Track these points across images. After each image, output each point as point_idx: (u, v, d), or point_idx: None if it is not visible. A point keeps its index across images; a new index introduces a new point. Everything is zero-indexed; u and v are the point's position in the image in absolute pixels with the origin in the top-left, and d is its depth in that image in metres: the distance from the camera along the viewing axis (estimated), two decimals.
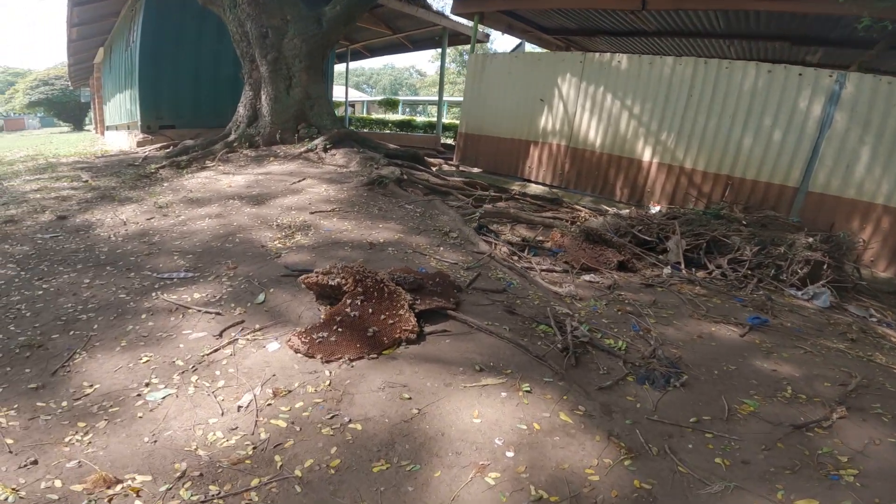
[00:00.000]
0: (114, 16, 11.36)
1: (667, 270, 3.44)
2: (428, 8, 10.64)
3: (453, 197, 4.72)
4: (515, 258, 3.08)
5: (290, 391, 1.50)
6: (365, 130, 15.77)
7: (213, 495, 1.17)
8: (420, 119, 17.36)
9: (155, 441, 1.30)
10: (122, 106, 11.28)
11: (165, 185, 4.45)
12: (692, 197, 5.38)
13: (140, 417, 1.39)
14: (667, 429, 1.52)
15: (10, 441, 1.30)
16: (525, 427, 1.42)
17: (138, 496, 1.15)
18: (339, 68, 15.88)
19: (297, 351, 1.63)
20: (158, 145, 7.74)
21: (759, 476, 1.33)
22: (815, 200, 4.81)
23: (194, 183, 4.41)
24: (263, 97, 6.23)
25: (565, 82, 6.26)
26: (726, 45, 8.26)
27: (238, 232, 2.95)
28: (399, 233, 3.03)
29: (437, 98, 14.72)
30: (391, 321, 1.71)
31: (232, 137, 6.06)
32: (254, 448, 1.31)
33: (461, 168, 7.15)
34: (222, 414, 1.41)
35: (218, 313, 1.92)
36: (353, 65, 18.01)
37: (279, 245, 2.74)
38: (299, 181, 4.17)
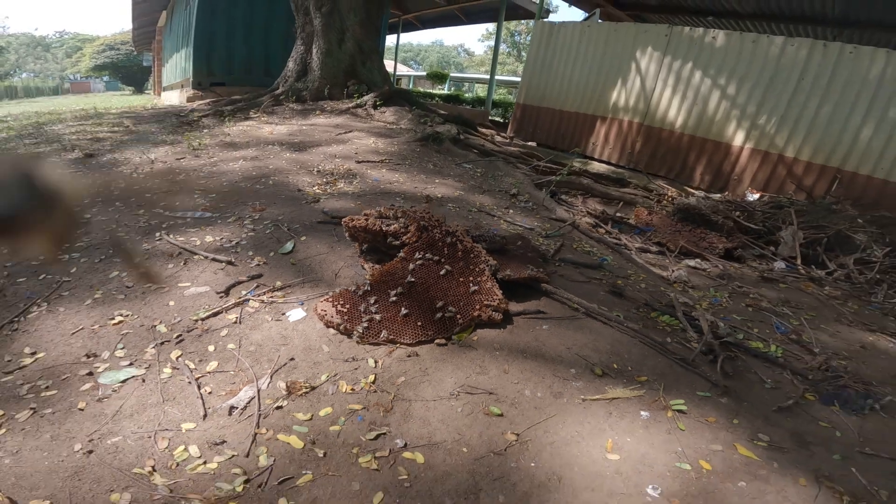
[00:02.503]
0: None
1: (779, 265, 2.68)
2: None
3: (511, 165, 4.05)
4: (601, 231, 2.41)
5: (313, 388, 0.93)
6: (409, 92, 15.10)
7: None
8: (468, 95, 16.55)
9: (90, 452, 0.76)
10: (177, 65, 11.20)
11: (205, 131, 4.00)
12: (790, 189, 4.49)
13: (81, 410, 0.86)
14: (889, 465, 0.87)
15: None
16: (689, 467, 0.81)
17: None
18: (388, 43, 15.33)
19: (329, 324, 1.06)
20: (208, 100, 7.41)
21: None
22: None
23: (235, 130, 3.94)
24: (315, 50, 5.68)
25: (645, 56, 5.39)
26: (834, 33, 7.01)
27: (272, 175, 2.41)
28: (459, 190, 2.42)
29: (485, 76, 13.88)
30: (468, 289, 1.11)
31: (279, 91, 5.57)
32: (246, 482, 0.75)
33: (515, 140, 6.42)
34: (204, 417, 0.86)
35: (230, 262, 1.38)
36: (401, 41, 17.29)
37: (318, 191, 2.18)
38: (345, 133, 3.62)
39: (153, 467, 0.75)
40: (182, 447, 0.79)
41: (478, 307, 1.10)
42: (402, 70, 22.62)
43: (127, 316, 1.14)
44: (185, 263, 1.39)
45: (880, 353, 1.62)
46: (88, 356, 1.01)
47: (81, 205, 1.98)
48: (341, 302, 1.10)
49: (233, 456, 0.79)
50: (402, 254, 1.19)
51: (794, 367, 1.28)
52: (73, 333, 1.07)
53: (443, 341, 1.07)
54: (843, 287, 2.58)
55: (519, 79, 6.92)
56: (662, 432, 0.91)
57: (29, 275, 1.35)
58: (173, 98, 10.69)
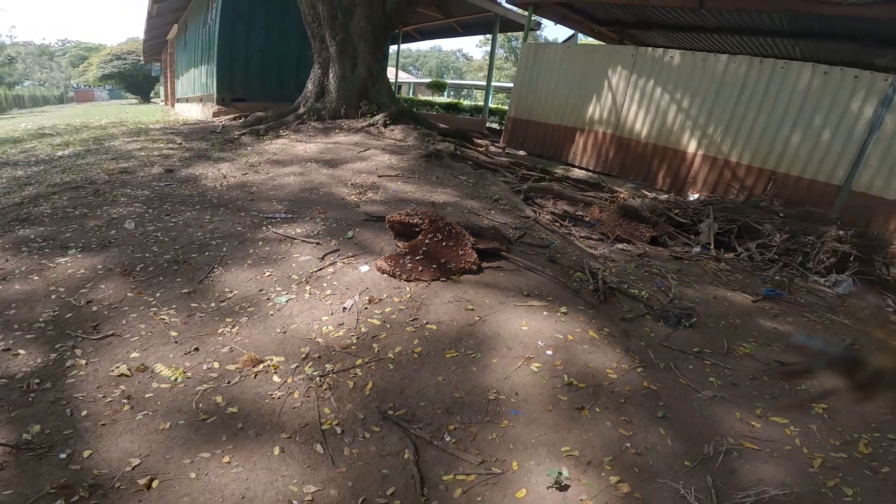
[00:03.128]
0: None
1: (696, 249, 3.67)
2: None
3: (500, 174, 5.04)
4: (557, 225, 3.41)
5: (380, 300, 1.92)
6: (413, 110, 16.08)
7: (328, 371, 1.59)
8: (466, 103, 17.50)
9: (285, 332, 1.75)
10: (195, 80, 12.02)
11: (249, 148, 4.99)
12: (734, 189, 5.48)
13: (272, 315, 1.85)
14: (673, 353, 1.85)
15: (174, 334, 1.74)
16: (561, 336, 1.78)
17: (276, 372, 1.58)
18: (389, 51, 16.29)
19: (383, 272, 2.06)
20: (231, 116, 8.39)
21: (744, 396, 1.65)
22: (856, 199, 4.85)
23: (274, 148, 4.93)
24: (331, 75, 6.65)
25: (616, 74, 6.39)
26: (790, 44, 8.01)
27: (319, 187, 3.42)
28: (455, 196, 3.41)
29: (483, 83, 14.84)
30: (457, 252, 2.11)
31: (302, 111, 6.56)
32: (357, 338, 1.73)
33: (507, 150, 7.43)
34: (332, 314, 1.85)
35: (318, 243, 2.37)
36: (401, 48, 18.22)
37: (355, 199, 3.18)
38: (364, 150, 4.61)
39: (315, 336, 1.74)
40: (325, 327, 1.78)
41: (463, 262, 2.09)
42: (403, 77, 23.72)
43: (272, 272, 2.13)
44: (290, 244, 2.39)
45: (726, 302, 2.57)
46: (261, 291, 2.00)
47: (195, 209, 2.97)
48: (390, 260, 2.09)
49: (349, 329, 1.77)
50: (420, 236, 2.18)
51: (648, 302, 2.26)
52: (247, 281, 2.06)
53: (444, 279, 2.06)
54: (744, 266, 3.55)
55: None
56: (552, 321, 1.89)
57: (196, 252, 2.35)
58: (194, 111, 11.58)
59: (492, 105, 16.44)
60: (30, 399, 1.36)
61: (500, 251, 2.32)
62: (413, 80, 26.01)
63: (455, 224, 2.25)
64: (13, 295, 1.93)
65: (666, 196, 4.87)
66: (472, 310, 1.88)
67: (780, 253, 3.73)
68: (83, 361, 1.52)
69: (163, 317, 1.78)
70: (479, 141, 7.87)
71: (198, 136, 6.05)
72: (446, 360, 1.65)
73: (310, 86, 7.07)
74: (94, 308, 1.82)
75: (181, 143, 5.40)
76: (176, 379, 1.47)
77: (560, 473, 1.19)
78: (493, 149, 7.48)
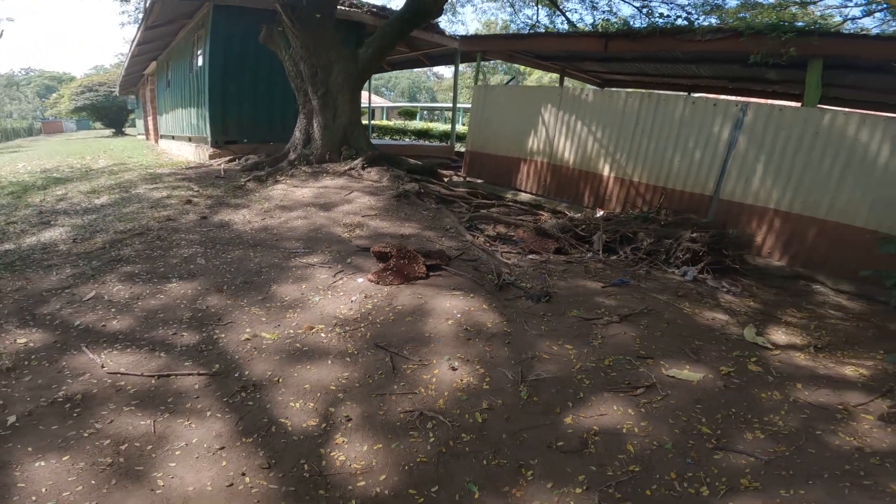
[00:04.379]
0: (172, 35, 13.56)
1: (588, 255, 5.46)
2: (442, 33, 12.74)
3: (457, 205, 6.81)
4: (488, 245, 5.17)
5: (371, 296, 3.62)
6: (387, 138, 17.92)
7: (347, 329, 3.27)
8: (437, 126, 19.33)
9: (322, 314, 3.43)
10: (184, 120, 13.53)
11: (257, 194, 6.65)
12: (639, 203, 7.32)
13: (312, 307, 3.53)
14: (528, 315, 3.58)
15: (263, 319, 3.40)
16: (466, 308, 3.51)
17: (322, 332, 3.25)
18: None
19: (371, 281, 3.75)
20: (226, 158, 10.01)
21: (560, 334, 3.37)
22: (724, 206, 6.66)
23: (276, 193, 6.60)
24: (315, 125, 8.36)
25: (547, 111, 8.25)
26: (695, 68, 10.04)
27: (321, 228, 5.11)
28: (418, 229, 5.15)
29: (451, 105, 16.62)
30: (414, 266, 3.82)
31: (292, 156, 8.25)
32: (360, 314, 3.42)
33: (468, 179, 9.22)
34: (344, 304, 3.54)
35: (329, 267, 4.06)
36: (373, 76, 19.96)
37: (348, 235, 4.89)
38: (349, 193, 6.32)
39: (338, 314, 3.43)
40: (342, 310, 3.47)
41: (417, 272, 3.80)
42: (376, 101, 25.67)
43: (306, 285, 3.81)
44: (313, 269, 4.07)
45: (583, 288, 4.30)
46: (303, 295, 3.68)
47: (240, 248, 4.62)
48: (374, 275, 3.79)
49: (355, 310, 3.47)
50: (391, 259, 3.89)
51: (527, 290, 4.00)
52: (293, 291, 3.74)
53: (407, 283, 3.76)
54: (619, 264, 5.31)
55: None
56: (464, 301, 3.62)
57: (255, 277, 4.00)
58: (185, 150, 13.09)
59: (460, 127, 18.38)
60: (205, 354, 3.00)
61: (442, 265, 4.04)
62: (386, 104, 27.92)
63: (412, 250, 3.97)
64: (154, 306, 3.56)
65: (580, 214, 6.68)
66: (421, 298, 3.59)
67: (647, 253, 5.54)
68: (223, 335, 3.18)
69: (254, 311, 3.45)
70: (445, 172, 9.68)
71: (207, 182, 7.67)
72: (406, 321, 3.35)
73: (297, 133, 8.77)
74: (213, 310, 3.47)
75: (198, 191, 7.00)
76: (274, 339, 3.14)
77: (454, 365, 2.89)
78: (455, 178, 9.29)
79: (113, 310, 3.46)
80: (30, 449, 2.12)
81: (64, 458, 2.07)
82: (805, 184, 5.82)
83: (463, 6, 13.08)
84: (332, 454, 2.20)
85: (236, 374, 2.75)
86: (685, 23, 9.29)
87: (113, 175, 8.89)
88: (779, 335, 3.99)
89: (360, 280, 3.83)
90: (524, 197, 8.30)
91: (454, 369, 2.84)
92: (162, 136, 16.71)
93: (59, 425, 2.27)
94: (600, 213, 6.80)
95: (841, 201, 5.56)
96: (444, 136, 16.18)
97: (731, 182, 6.51)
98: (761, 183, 6.21)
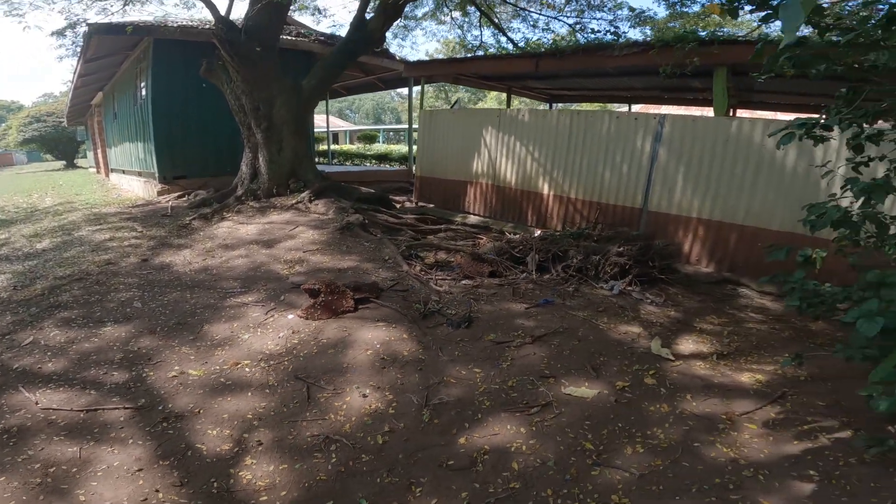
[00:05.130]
0: (116, 66, 13.71)
1: (522, 276, 5.92)
2: (392, 58, 13.33)
3: (404, 232, 7.23)
4: (423, 273, 5.58)
5: (298, 331, 3.97)
6: (347, 163, 18.34)
7: (271, 363, 3.60)
8: (398, 148, 19.89)
9: (249, 350, 3.76)
10: (132, 154, 13.66)
11: (201, 233, 6.93)
12: (577, 220, 7.87)
13: (241, 344, 3.85)
14: (445, 342, 3.99)
15: (192, 357, 3.73)
16: (387, 338, 3.89)
17: (247, 367, 3.58)
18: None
19: (301, 317, 4.10)
20: (175, 194, 10.23)
21: (472, 359, 3.78)
22: (653, 217, 7.22)
23: (221, 231, 6.90)
24: (261, 158, 8.70)
25: (488, 133, 8.78)
26: (627, 80, 10.78)
27: (261, 266, 5.44)
28: (357, 261, 5.53)
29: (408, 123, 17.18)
30: (342, 301, 4.19)
31: (239, 192, 8.55)
32: (285, 349, 3.76)
33: (420, 203, 9.68)
34: (272, 340, 3.87)
35: (263, 305, 4.40)
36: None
37: (286, 272, 5.23)
38: (294, 228, 6.67)
39: (266, 349, 3.77)
40: (270, 345, 3.82)
41: (344, 307, 4.18)
42: (339, 123, 26.21)
43: (238, 324, 4.14)
44: (247, 307, 4.40)
45: (507, 310, 4.73)
46: (233, 334, 4.00)
47: (178, 290, 4.90)
48: (304, 311, 4.14)
49: (282, 345, 3.82)
50: (321, 296, 4.25)
51: (450, 316, 4.40)
52: (225, 330, 4.07)
53: (334, 317, 4.13)
54: (549, 283, 5.79)
55: None
56: (385, 332, 4.00)
57: (189, 317, 4.29)
58: (134, 186, 13.20)
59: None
60: (132, 391, 3.29)
61: (370, 298, 4.43)
62: (349, 127, 28.46)
63: (342, 285, 4.35)
64: (88, 349, 3.84)
65: (518, 235, 7.18)
66: (346, 331, 3.96)
67: (577, 270, 6.04)
68: (151, 373, 3.47)
69: (184, 350, 3.76)
70: (399, 198, 10.12)
71: (153, 221, 7.92)
72: (328, 353, 3.71)
73: (244, 168, 9.09)
74: (144, 351, 3.77)
75: (142, 231, 7.25)
76: (200, 375, 3.47)
77: (365, 392, 3.25)
78: (408, 204, 9.73)
79: (49, 353, 3.74)
80: None
81: (1, 478, 2.37)
82: (722, 191, 6.37)
83: (412, 30, 13.75)
84: (240, 474, 2.53)
85: (160, 407, 3.06)
86: (613, 38, 10.08)
87: (57, 216, 9.04)
88: (688, 345, 4.44)
89: (291, 316, 4.18)
90: (473, 219, 8.78)
91: (364, 396, 3.21)
92: (112, 170, 16.72)
93: None
94: (538, 232, 7.31)
95: (756, 206, 6.10)
96: (403, 159, 16.72)
97: (656, 194, 7.03)
98: (683, 193, 6.76)
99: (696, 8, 11.75)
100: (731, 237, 6.50)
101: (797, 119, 2.88)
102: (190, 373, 3.45)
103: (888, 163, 3.02)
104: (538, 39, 11.57)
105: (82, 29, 8.71)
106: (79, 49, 10.90)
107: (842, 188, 3.08)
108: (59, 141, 28.89)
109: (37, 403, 3.05)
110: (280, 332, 3.97)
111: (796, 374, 3.69)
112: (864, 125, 2.98)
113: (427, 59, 11.08)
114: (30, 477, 2.45)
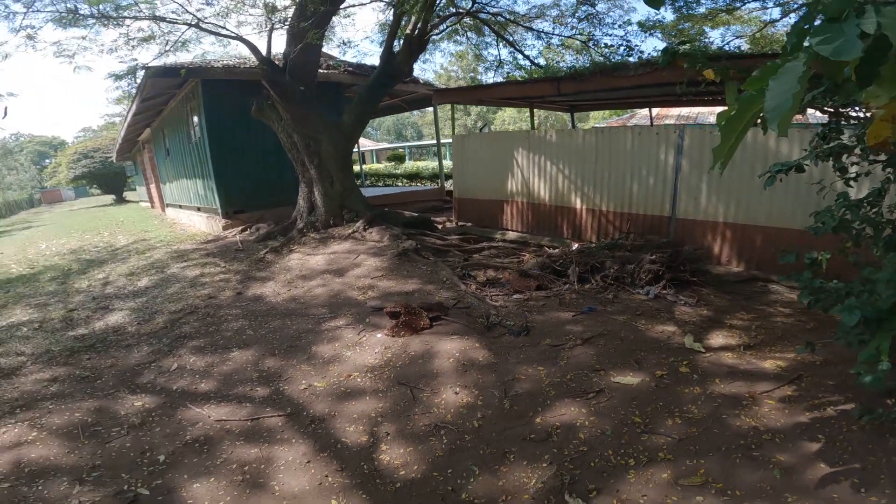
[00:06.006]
0: (163, 104, 15.11)
1: (565, 287, 6.83)
2: (416, 81, 14.46)
3: (451, 253, 8.24)
4: (478, 290, 6.56)
5: (389, 347, 4.99)
6: (379, 184, 19.50)
7: (375, 374, 4.62)
8: (426, 164, 20.98)
9: (354, 364, 4.80)
10: (190, 190, 14.91)
11: (277, 265, 8.09)
12: (609, 231, 8.72)
13: (346, 359, 4.90)
14: (509, 348, 4.94)
15: (312, 373, 4.78)
16: (463, 348, 4.88)
17: (358, 377, 4.61)
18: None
19: (388, 335, 5.13)
20: (239, 228, 11.50)
21: (534, 360, 4.72)
22: (681, 223, 8.03)
23: (294, 263, 8.04)
24: (316, 192, 9.84)
25: (519, 153, 9.75)
26: (648, 91, 11.55)
27: (339, 293, 6.52)
28: (419, 284, 6.55)
29: (436, 143, 18.22)
30: (419, 320, 5.20)
31: (300, 225, 9.72)
32: (382, 362, 4.79)
33: (459, 223, 10.69)
34: (370, 356, 4.90)
35: (353, 327, 5.44)
36: None
37: (362, 297, 6.29)
38: (356, 257, 7.76)
39: (367, 364, 4.80)
40: (368, 360, 4.85)
41: (422, 324, 5.18)
42: (366, 144, 27.62)
43: (337, 344, 5.20)
44: (340, 329, 5.46)
45: (556, 319, 5.65)
46: (336, 352, 5.05)
47: (278, 318, 6.00)
48: (390, 330, 5.18)
49: (379, 360, 4.85)
50: (401, 316, 5.27)
51: (510, 327, 5.36)
52: (329, 349, 5.13)
53: (415, 334, 5.14)
54: (590, 292, 6.66)
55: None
56: (460, 343, 4.99)
57: (295, 341, 5.37)
58: (196, 221, 14.51)
59: (447, 162, 19.98)
60: (277, 402, 4.34)
61: (441, 315, 5.43)
62: (374, 146, 29.88)
63: (416, 306, 5.37)
64: (227, 370, 4.93)
65: (557, 250, 8.08)
66: (427, 344, 4.97)
67: (614, 279, 6.91)
68: (286, 387, 4.53)
69: (303, 368, 4.82)
70: (439, 219, 11.15)
71: (229, 256, 9.14)
72: (418, 363, 4.71)
73: (301, 202, 10.26)
74: (272, 370, 4.84)
75: (226, 266, 8.45)
76: (324, 386, 4.50)
77: (456, 391, 4.23)
78: (448, 224, 10.76)
79: (197, 376, 4.85)
80: (185, 476, 3.45)
81: (211, 480, 3.40)
82: (744, 196, 7.14)
83: (431, 53, 14.85)
84: (380, 457, 3.53)
85: (304, 413, 4.10)
86: (626, 50, 10.89)
87: (141, 255, 10.38)
88: (718, 339, 5.28)
89: (379, 335, 5.22)
90: (511, 235, 9.73)
91: (456, 393, 4.19)
92: (168, 205, 18.18)
93: (197, 459, 3.61)
94: (575, 245, 8.20)
95: (776, 208, 6.87)
96: (433, 176, 17.76)
97: (682, 202, 7.86)
98: (708, 200, 7.57)
99: (702, 10, 12.45)
100: (756, 238, 7.24)
101: (775, 164, 3.72)
102: (315, 385, 4.50)
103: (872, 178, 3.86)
104: (556, 62, 12.47)
105: (139, 72, 9.90)
106: (132, 91, 12.09)
107: (836, 201, 3.90)
108: (106, 176, 31.24)
109: (210, 417, 4.12)
110: (375, 349, 5.00)
111: (812, 360, 4.49)
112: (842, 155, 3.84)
113: (453, 87, 12.17)
114: (232, 476, 3.39)
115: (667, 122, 20.61)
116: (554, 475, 3.21)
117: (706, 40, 12.18)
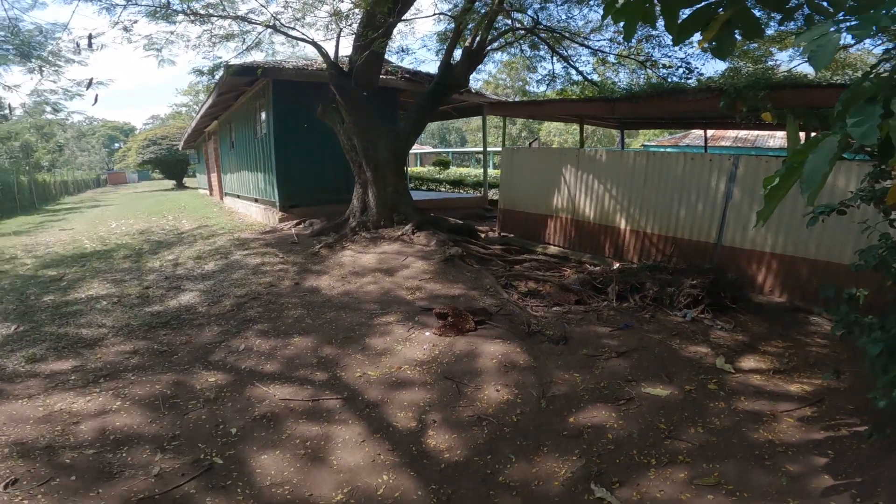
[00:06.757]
0: (233, 100, 16.17)
1: (604, 304, 7.17)
2: (469, 90, 15.01)
3: (494, 262, 8.71)
4: (520, 300, 7.00)
5: (436, 345, 5.51)
6: (423, 189, 20.18)
7: (423, 368, 5.15)
8: (471, 172, 21.51)
9: (405, 358, 5.35)
10: (250, 182, 15.91)
11: (330, 260, 8.77)
12: (652, 253, 8.97)
13: (397, 353, 5.45)
14: (549, 354, 5.37)
15: (366, 363, 5.35)
16: (505, 351, 5.34)
17: (407, 370, 5.14)
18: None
19: (436, 334, 5.66)
20: (294, 222, 12.31)
21: (571, 367, 5.13)
22: (727, 251, 8.22)
23: (346, 260, 8.70)
24: (370, 194, 10.50)
25: (567, 171, 10.13)
26: (701, 115, 11.70)
27: (389, 291, 7.10)
28: (464, 290, 7.06)
29: (482, 149, 18.79)
30: (465, 323, 5.70)
31: (353, 223, 10.41)
32: (430, 358, 5.31)
33: (502, 234, 11.15)
34: (419, 351, 5.43)
35: (403, 324, 6.00)
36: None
37: (410, 297, 6.85)
38: (405, 259, 8.34)
39: (415, 358, 5.34)
40: (418, 354, 5.39)
41: (468, 326, 5.68)
42: (412, 148, 28.64)
43: (388, 338, 5.77)
44: (391, 325, 6.03)
45: (594, 332, 6.03)
46: (387, 345, 5.61)
47: (334, 310, 6.63)
48: (437, 329, 5.70)
49: (427, 355, 5.38)
50: (449, 317, 5.79)
51: (549, 336, 5.77)
52: (381, 342, 5.70)
53: (461, 335, 5.64)
54: (628, 310, 6.98)
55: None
56: (503, 346, 5.46)
57: (348, 332, 5.97)
58: (252, 211, 15.48)
59: (492, 170, 20.44)
60: (335, 386, 4.92)
61: (485, 320, 5.91)
62: (419, 149, 30.75)
63: (463, 310, 5.87)
64: (289, 354, 5.56)
65: (599, 268, 8.42)
66: (472, 345, 5.46)
67: (653, 299, 7.19)
68: (342, 373, 5.12)
69: (358, 357, 5.41)
70: (482, 227, 11.64)
71: (286, 248, 9.91)
72: (463, 361, 5.21)
73: (355, 202, 10.96)
74: (330, 357, 5.45)
75: (283, 258, 9.20)
76: (377, 375, 5.06)
77: (497, 388, 4.70)
78: (491, 234, 11.23)
79: (262, 357, 5.50)
80: (254, 448, 4.03)
81: (276, 453, 3.97)
82: (794, 227, 7.29)
83: (485, 64, 15.40)
84: (427, 441, 4.04)
85: (359, 398, 4.66)
86: (685, 72, 11.05)
87: (205, 240, 11.35)
88: (749, 362, 5.56)
89: (427, 333, 5.74)
90: (552, 250, 10.10)
91: (497, 391, 4.66)
92: (227, 194, 19.42)
93: (265, 433, 4.20)
94: (616, 265, 8.50)
95: (826, 241, 7.02)
96: (477, 184, 18.27)
97: (730, 230, 8.07)
98: (756, 230, 7.74)
99: (770, 32, 12.40)
100: (802, 269, 7.38)
101: (818, 206, 4.02)
102: (369, 373, 5.06)
103: None
104: (609, 79, 12.72)
105: (220, 69, 10.82)
106: (210, 83, 13.04)
107: (878, 240, 4.15)
108: (170, 162, 33.61)
109: (275, 395, 4.73)
110: (423, 346, 5.53)
111: (837, 386, 4.75)
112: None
113: (507, 101, 12.64)
114: (295, 450, 3.89)
115: (722, 143, 20.41)
116: (582, 467, 3.64)
117: (772, 60, 12.07)
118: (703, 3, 1.86)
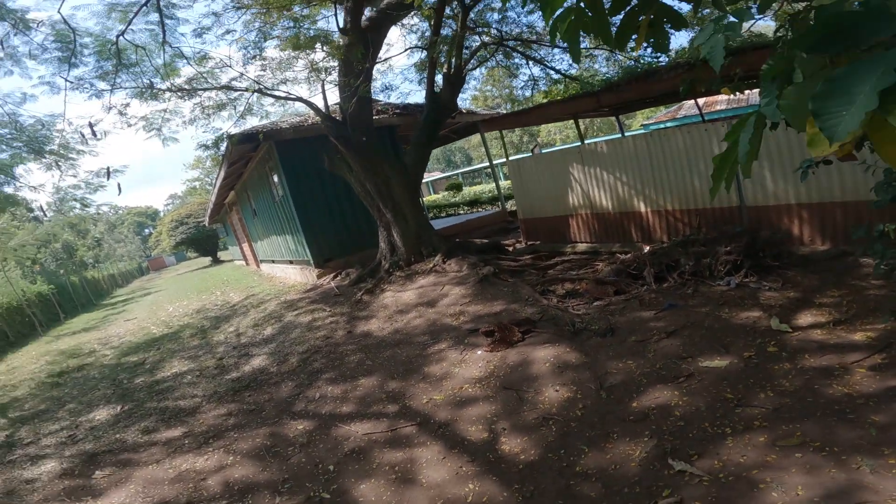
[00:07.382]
0: (243, 168, 16.99)
1: (643, 289, 7.36)
2: (461, 112, 15.54)
3: (527, 272, 9.02)
4: (560, 303, 7.29)
5: (490, 361, 5.84)
6: (443, 216, 20.71)
7: (482, 383, 5.47)
8: (483, 188, 21.92)
9: (464, 378, 5.70)
10: (281, 245, 16.62)
11: (374, 305, 9.25)
12: (679, 228, 9.11)
13: (455, 375, 5.80)
14: (599, 347, 5.62)
15: (430, 389, 5.73)
16: (556, 353, 5.63)
17: (468, 388, 5.48)
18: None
19: (487, 351, 6.00)
20: (331, 275, 12.88)
21: (623, 355, 5.37)
22: (753, 211, 8.28)
23: (388, 301, 9.16)
24: (395, 233, 10.98)
25: (574, 169, 10.42)
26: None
27: (435, 321, 7.50)
28: (504, 305, 7.39)
29: (488, 164, 19.21)
30: (512, 335, 6.02)
31: (386, 266, 10.90)
32: (486, 374, 5.64)
33: (529, 243, 11.47)
34: (475, 370, 5.77)
35: (455, 348, 6.36)
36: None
37: (456, 322, 7.22)
38: (442, 288, 8.75)
39: (474, 377, 5.68)
40: (475, 373, 5.73)
41: (515, 338, 6.00)
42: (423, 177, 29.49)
43: (445, 363, 6.12)
44: (444, 352, 6.40)
45: (638, 317, 6.23)
46: (445, 371, 5.97)
47: (389, 349, 7.05)
48: (487, 346, 6.04)
49: (483, 372, 5.72)
50: (496, 334, 6.12)
51: (595, 330, 6.03)
52: (439, 368, 6.06)
53: (510, 347, 5.96)
54: (668, 290, 7.14)
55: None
56: (552, 349, 5.75)
57: (407, 365, 6.36)
58: (290, 273, 16.16)
59: (504, 182, 20.80)
60: (407, 415, 5.29)
61: (530, 329, 6.22)
62: (430, 177, 31.54)
63: (507, 323, 6.20)
64: (360, 395, 5.99)
65: (630, 255, 8.62)
66: (523, 354, 5.78)
67: (692, 274, 7.34)
68: (410, 402, 5.48)
69: (421, 385, 5.79)
70: (507, 241, 11.99)
71: (330, 301, 10.45)
72: (518, 370, 5.52)
73: (382, 245, 11.47)
74: (396, 390, 5.84)
75: (331, 311, 9.73)
76: (442, 398, 5.42)
77: (556, 388, 4.98)
78: (518, 245, 11.56)
79: (337, 401, 5.95)
80: (352, 480, 4.43)
81: (372, 481, 4.37)
82: (811, 175, 7.34)
83: (468, 83, 16.03)
84: (501, 448, 4.35)
85: (431, 421, 5.02)
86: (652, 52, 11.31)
87: (256, 308, 12.07)
88: (806, 318, 5.57)
89: (479, 352, 6.08)
90: (581, 247, 10.35)
91: (556, 391, 4.94)
92: (262, 261, 20.30)
93: (357, 465, 4.60)
94: (646, 248, 8.69)
95: (849, 183, 7.05)
96: (493, 199, 18.69)
97: (750, 190, 8.15)
98: (775, 184, 7.82)
99: None
100: (836, 213, 7.37)
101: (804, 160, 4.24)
102: (435, 398, 5.42)
103: None
104: (587, 70, 13.05)
105: (224, 140, 11.40)
106: (218, 156, 13.68)
107: (884, 173, 4.31)
108: (201, 240, 35.34)
109: (357, 432, 5.14)
110: (478, 364, 5.87)
111: None
112: None
113: (498, 115, 13.15)
114: (387, 476, 4.32)
115: (717, 107, 20.32)
116: (656, 446, 3.87)
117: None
118: (622, 13, 2.19)
